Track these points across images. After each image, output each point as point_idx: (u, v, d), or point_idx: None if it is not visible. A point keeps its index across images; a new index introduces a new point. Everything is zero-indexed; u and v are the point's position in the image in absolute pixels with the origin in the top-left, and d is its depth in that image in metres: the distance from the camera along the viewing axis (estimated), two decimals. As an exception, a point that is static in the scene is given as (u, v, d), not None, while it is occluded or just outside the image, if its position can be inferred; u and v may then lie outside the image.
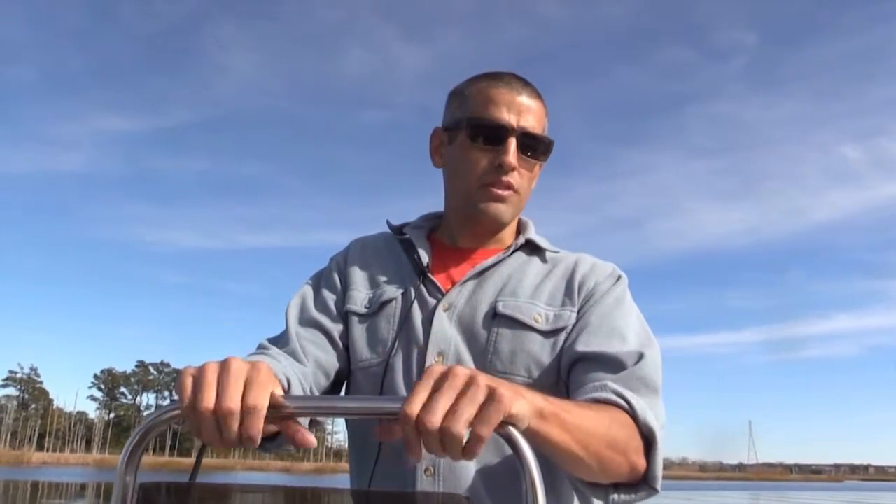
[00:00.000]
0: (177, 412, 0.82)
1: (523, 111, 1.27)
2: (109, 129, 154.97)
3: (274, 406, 0.81)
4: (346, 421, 1.34)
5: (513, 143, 1.26)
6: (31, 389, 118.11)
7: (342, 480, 1.75)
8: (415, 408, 0.77)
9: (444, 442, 0.77)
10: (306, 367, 1.23)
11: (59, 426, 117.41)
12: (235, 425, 0.79)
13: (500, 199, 1.28)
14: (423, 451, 1.15)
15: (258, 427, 0.80)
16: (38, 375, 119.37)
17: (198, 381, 0.81)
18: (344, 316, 1.32)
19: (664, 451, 1.06)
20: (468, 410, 0.77)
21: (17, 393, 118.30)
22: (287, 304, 1.34)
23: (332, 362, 1.28)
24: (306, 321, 1.30)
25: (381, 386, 1.24)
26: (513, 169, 1.26)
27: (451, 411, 0.77)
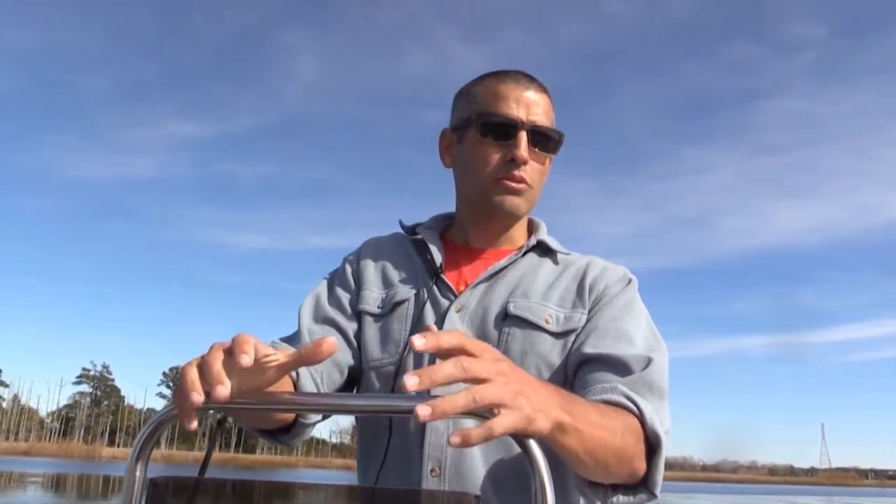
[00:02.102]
0: None
1: (532, 105, 1.27)
2: (180, 135, 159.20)
3: (287, 402, 0.82)
4: (356, 419, 1.34)
5: (524, 137, 1.26)
6: (103, 387, 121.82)
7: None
8: (467, 344, 0.77)
9: (458, 394, 0.72)
10: (318, 364, 1.23)
11: (130, 422, 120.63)
12: (219, 359, 0.80)
13: (515, 193, 1.28)
14: (428, 451, 1.13)
15: (246, 344, 0.79)
16: (110, 373, 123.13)
17: (187, 363, 0.82)
18: (357, 315, 1.33)
19: (671, 453, 1.05)
20: (499, 396, 0.74)
21: (90, 390, 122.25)
22: (300, 303, 1.35)
23: (346, 360, 1.28)
24: (321, 319, 1.31)
25: (392, 386, 1.24)
26: (525, 163, 1.26)
27: (487, 384, 0.74)
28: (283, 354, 0.82)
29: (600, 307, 1.24)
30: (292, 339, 1.29)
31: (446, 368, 0.73)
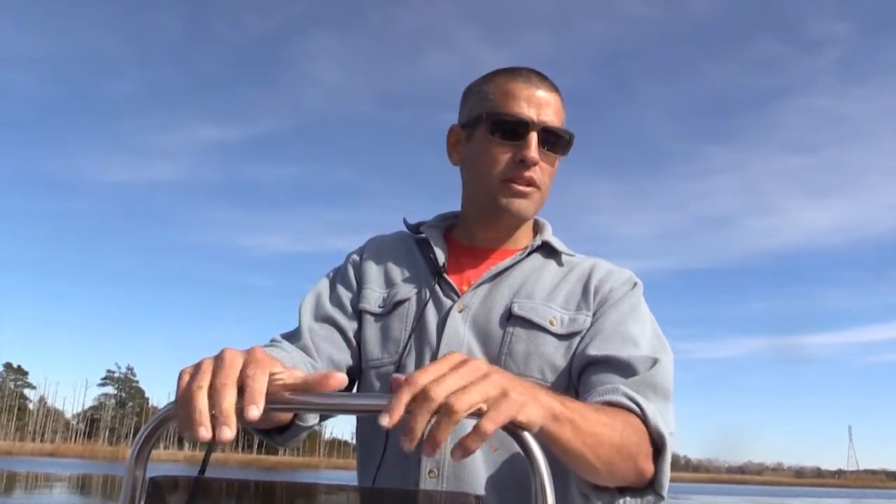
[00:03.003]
0: None
1: (542, 105, 1.25)
2: (204, 139, 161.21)
3: (280, 401, 0.80)
4: (357, 419, 1.32)
5: (534, 137, 1.23)
6: (127, 388, 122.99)
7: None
8: (424, 377, 0.74)
9: (440, 417, 0.72)
10: (317, 363, 1.22)
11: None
12: (231, 396, 0.74)
13: (523, 195, 1.25)
14: (428, 451, 1.10)
15: (259, 395, 0.75)
16: (134, 375, 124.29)
17: (194, 370, 0.78)
18: (358, 314, 1.31)
19: (673, 454, 1.05)
20: (475, 398, 0.73)
21: (115, 392, 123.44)
22: (301, 299, 1.33)
23: (345, 360, 1.27)
24: (321, 317, 1.30)
25: (391, 385, 1.23)
26: (535, 164, 1.24)
27: (459, 391, 0.73)
28: (289, 375, 0.81)
29: (605, 310, 1.22)
30: (292, 336, 1.27)
31: (420, 411, 0.73)
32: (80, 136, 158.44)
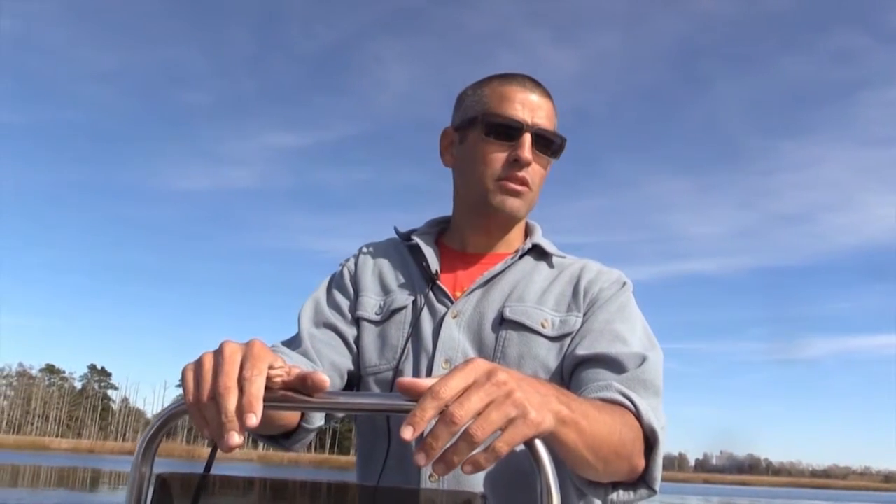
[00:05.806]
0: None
1: (536, 109, 1.28)
2: (278, 145, 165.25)
3: (290, 400, 0.79)
4: (356, 421, 1.36)
5: (528, 138, 1.26)
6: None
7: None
8: (447, 390, 0.72)
9: (460, 442, 0.72)
10: (318, 367, 1.23)
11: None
12: (233, 402, 0.75)
13: (515, 194, 1.28)
14: (439, 471, 1.00)
15: (256, 401, 0.75)
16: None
17: (196, 370, 0.80)
18: (356, 321, 1.34)
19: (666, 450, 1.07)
20: (496, 422, 0.73)
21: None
22: (300, 307, 1.36)
23: (346, 364, 1.29)
24: (321, 323, 1.32)
25: (390, 392, 1.23)
26: (528, 164, 1.27)
27: (482, 415, 0.72)
28: (288, 370, 0.81)
29: (595, 310, 1.25)
30: (292, 343, 1.29)
31: (442, 432, 0.71)
32: (159, 145, 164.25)
